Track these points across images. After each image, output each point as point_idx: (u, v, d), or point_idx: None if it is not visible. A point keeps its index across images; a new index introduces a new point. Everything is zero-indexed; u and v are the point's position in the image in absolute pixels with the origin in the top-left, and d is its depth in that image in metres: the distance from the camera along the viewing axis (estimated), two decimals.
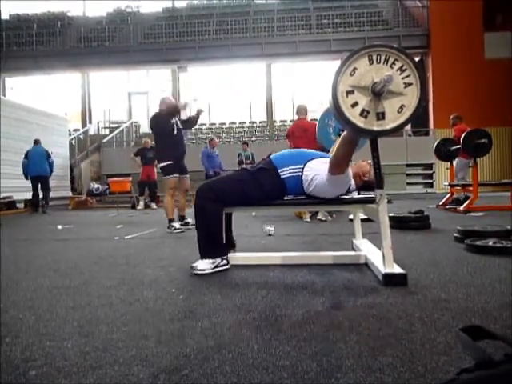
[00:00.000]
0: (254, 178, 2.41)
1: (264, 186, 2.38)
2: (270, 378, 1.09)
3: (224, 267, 2.41)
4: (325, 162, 2.36)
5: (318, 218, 5.35)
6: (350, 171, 2.37)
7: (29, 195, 8.97)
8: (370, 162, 2.27)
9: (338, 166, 2.22)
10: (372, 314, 1.57)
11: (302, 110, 5.80)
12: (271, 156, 2.53)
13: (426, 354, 1.21)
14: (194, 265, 2.37)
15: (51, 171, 8.99)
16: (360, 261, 2.54)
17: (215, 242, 2.40)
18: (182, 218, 4.88)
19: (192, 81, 17.93)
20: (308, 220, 5.29)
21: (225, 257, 2.44)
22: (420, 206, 5.28)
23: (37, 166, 8.63)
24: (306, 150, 2.68)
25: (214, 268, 2.37)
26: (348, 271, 2.34)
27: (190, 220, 4.60)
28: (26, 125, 9.46)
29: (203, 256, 2.41)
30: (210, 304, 1.77)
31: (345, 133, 2.16)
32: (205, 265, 2.36)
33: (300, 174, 2.39)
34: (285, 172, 2.40)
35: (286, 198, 2.49)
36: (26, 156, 8.72)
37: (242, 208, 2.61)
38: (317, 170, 2.34)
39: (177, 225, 4.59)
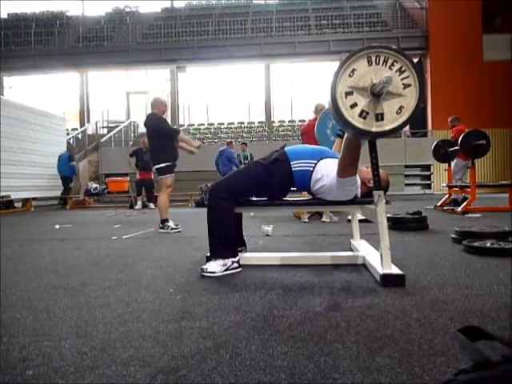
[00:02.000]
0: (267, 171, 2.36)
1: (274, 180, 2.35)
2: (267, 379, 1.09)
3: (235, 270, 2.37)
4: (337, 163, 2.35)
5: (323, 220, 5.28)
6: (359, 179, 2.36)
7: (26, 195, 9.44)
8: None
9: (346, 169, 2.22)
10: (370, 315, 1.57)
11: (320, 109, 5.48)
12: (286, 148, 2.50)
13: (424, 355, 1.21)
14: (203, 267, 2.33)
15: (74, 173, 10.55)
16: (358, 261, 2.55)
17: (226, 242, 2.36)
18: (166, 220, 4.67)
19: (191, 81, 17.95)
20: (306, 220, 5.29)
21: (235, 259, 2.38)
22: (418, 207, 5.29)
23: (61, 168, 10.35)
24: (321, 147, 2.67)
25: (224, 271, 2.32)
26: (346, 272, 2.34)
27: (171, 223, 4.60)
28: (24, 124, 9.43)
29: (214, 256, 2.36)
30: (207, 304, 1.77)
31: (347, 135, 2.16)
32: (215, 267, 2.31)
33: (311, 169, 2.37)
34: (297, 165, 2.38)
35: (287, 198, 2.49)
36: (59, 159, 10.38)
37: (250, 208, 2.60)
38: (328, 170, 2.33)
39: (172, 224, 4.58)
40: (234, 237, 2.47)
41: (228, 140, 10.89)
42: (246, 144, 10.52)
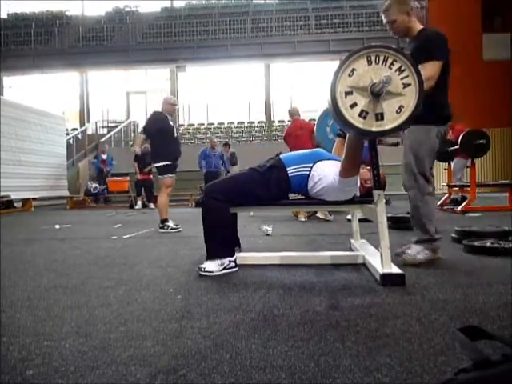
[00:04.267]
0: (263, 177, 2.38)
1: (271, 185, 2.37)
2: (267, 378, 1.09)
3: (232, 269, 2.38)
4: (333, 164, 2.36)
5: (317, 215, 5.33)
6: (358, 178, 2.37)
7: (25, 195, 9.39)
8: (369, 168, 2.27)
9: (349, 169, 2.23)
10: (370, 314, 1.57)
11: (295, 112, 6.08)
12: (281, 155, 2.53)
13: (424, 354, 1.21)
14: (201, 266, 2.34)
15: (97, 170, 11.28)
16: (358, 261, 2.55)
17: (223, 242, 2.38)
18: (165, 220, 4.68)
19: (190, 81, 17.95)
20: (303, 220, 5.28)
21: (232, 258, 2.40)
22: None
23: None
24: (316, 150, 2.68)
25: (222, 270, 2.33)
26: (346, 271, 2.34)
27: (171, 223, 4.60)
28: (23, 124, 9.42)
29: (211, 257, 2.37)
30: (207, 304, 1.77)
31: (349, 136, 2.16)
32: (213, 266, 2.32)
33: (307, 173, 2.38)
34: (293, 170, 2.40)
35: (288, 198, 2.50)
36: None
37: (245, 208, 2.60)
38: (324, 172, 2.34)
39: (172, 224, 4.58)
40: (231, 236, 2.48)
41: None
42: (227, 144, 10.13)
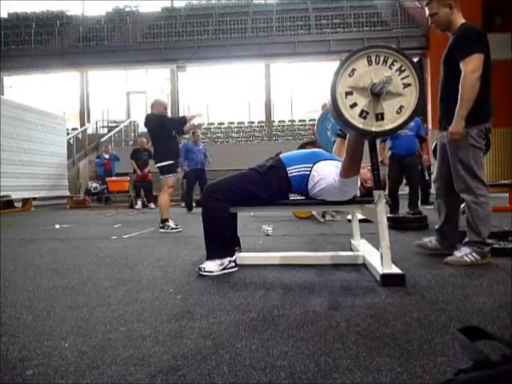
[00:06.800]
0: (263, 177, 2.39)
1: (271, 186, 2.37)
2: (267, 379, 1.09)
3: (232, 269, 2.38)
4: (333, 164, 2.37)
5: (326, 219, 5.19)
6: (358, 178, 2.38)
7: (26, 194, 9.41)
8: (369, 168, 2.27)
9: (349, 169, 2.23)
10: (370, 315, 1.57)
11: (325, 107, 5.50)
12: (281, 155, 2.53)
13: (424, 355, 1.21)
14: (201, 266, 2.35)
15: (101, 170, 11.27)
16: (358, 261, 2.55)
17: (222, 242, 2.38)
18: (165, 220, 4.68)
19: (191, 81, 17.94)
20: (322, 221, 5.17)
21: (232, 258, 2.40)
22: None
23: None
24: (316, 150, 2.69)
25: (222, 270, 2.34)
26: (346, 271, 2.34)
27: (172, 223, 4.61)
28: (24, 124, 9.42)
29: (210, 257, 2.37)
30: (207, 304, 1.77)
31: (349, 136, 2.16)
32: (213, 266, 2.33)
33: (308, 173, 2.39)
34: (293, 170, 2.40)
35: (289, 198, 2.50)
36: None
37: (246, 208, 2.60)
38: (325, 172, 2.35)
39: (172, 224, 4.59)
40: (231, 236, 2.48)
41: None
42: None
